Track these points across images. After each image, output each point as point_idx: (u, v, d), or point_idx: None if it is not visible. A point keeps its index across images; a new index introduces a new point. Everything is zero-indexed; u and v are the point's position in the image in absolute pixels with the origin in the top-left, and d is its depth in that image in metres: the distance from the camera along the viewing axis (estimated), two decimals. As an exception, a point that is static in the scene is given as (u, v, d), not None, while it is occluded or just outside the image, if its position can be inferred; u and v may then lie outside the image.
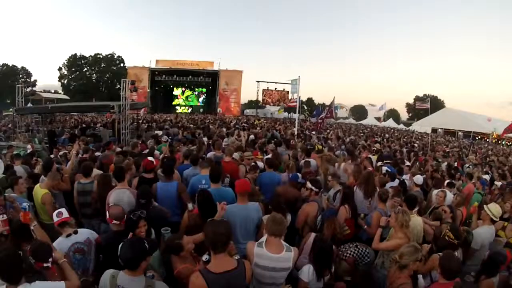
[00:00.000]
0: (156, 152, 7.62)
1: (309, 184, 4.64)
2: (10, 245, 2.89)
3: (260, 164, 6.13)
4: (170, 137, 10.35)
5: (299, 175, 5.74)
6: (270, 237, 2.85)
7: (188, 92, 49.99)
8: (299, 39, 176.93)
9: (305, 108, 48.48)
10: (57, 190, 4.80)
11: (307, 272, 2.99)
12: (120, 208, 3.34)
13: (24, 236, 3.09)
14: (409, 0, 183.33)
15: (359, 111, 68.36)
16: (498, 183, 8.47)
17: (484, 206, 4.57)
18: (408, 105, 77.21)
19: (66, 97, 44.69)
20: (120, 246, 2.45)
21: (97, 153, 7.09)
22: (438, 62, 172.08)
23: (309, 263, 3.12)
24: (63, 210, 3.26)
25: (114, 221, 3.23)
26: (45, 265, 2.51)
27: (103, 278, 2.50)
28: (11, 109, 19.94)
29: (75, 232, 3.18)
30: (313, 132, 16.22)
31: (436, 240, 4.08)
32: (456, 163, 11.83)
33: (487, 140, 31.64)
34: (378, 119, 52.13)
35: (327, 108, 15.70)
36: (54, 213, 3.22)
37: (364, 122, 54.13)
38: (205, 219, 3.40)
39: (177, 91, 49.32)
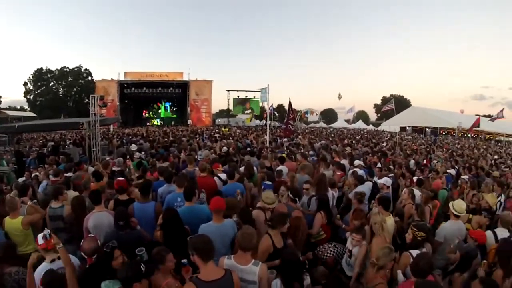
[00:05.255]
0: (131, 168, 7.61)
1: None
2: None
3: (223, 176, 6.12)
4: (143, 152, 10.28)
5: (269, 183, 5.71)
6: (240, 251, 2.99)
7: (157, 106, 49.92)
8: (269, 46, 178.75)
9: (276, 115, 48.72)
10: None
11: (275, 286, 2.98)
12: (95, 243, 3.17)
13: (9, 259, 3.06)
14: (373, 5, 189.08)
15: (329, 115, 69.37)
16: (465, 177, 8.85)
17: (450, 203, 4.81)
18: (376, 106, 79.95)
19: (33, 114, 43.38)
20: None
21: (68, 174, 6.86)
22: (403, 62, 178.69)
23: (276, 277, 3.09)
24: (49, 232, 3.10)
25: (82, 254, 3.10)
26: None
27: None
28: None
29: (59, 258, 3.03)
30: (285, 139, 16.49)
31: (399, 233, 4.50)
32: (424, 160, 12.28)
33: (453, 134, 32.97)
34: (347, 121, 53.20)
35: (287, 111, 15.81)
36: (40, 236, 3.02)
37: (334, 125, 55.40)
38: (168, 240, 3.53)
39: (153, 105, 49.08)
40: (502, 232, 4.41)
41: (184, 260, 2.92)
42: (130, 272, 2.56)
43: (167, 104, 50.34)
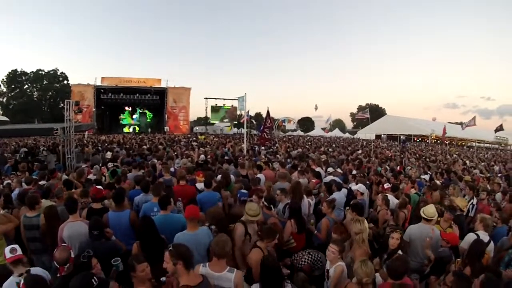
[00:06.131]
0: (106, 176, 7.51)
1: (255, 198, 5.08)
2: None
3: (199, 186, 6.03)
4: (119, 160, 10.16)
5: (245, 191, 5.49)
6: (215, 258, 3.04)
7: (134, 112, 49.13)
8: (247, 54, 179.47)
9: (254, 123, 48.74)
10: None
11: None
12: (67, 253, 3.07)
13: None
14: (347, 12, 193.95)
15: (306, 123, 70.06)
16: (438, 182, 9.11)
17: (421, 209, 4.93)
18: (352, 114, 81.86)
19: (5, 118, 41.99)
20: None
21: (41, 182, 6.68)
22: (379, 72, 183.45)
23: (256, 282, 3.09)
24: (17, 246, 3.10)
25: (56, 264, 3.03)
26: None
27: None
28: None
29: (28, 272, 2.98)
30: (262, 148, 16.54)
31: (376, 238, 4.73)
32: (398, 167, 12.59)
33: (427, 141, 33.99)
34: (324, 129, 53.86)
35: (264, 119, 15.73)
36: (7, 249, 3.02)
37: (311, 133, 56.41)
38: (145, 249, 3.49)
39: (124, 111, 48.28)
40: (485, 237, 4.51)
41: (163, 278, 2.95)
42: (77, 284, 2.50)
43: (144, 111, 49.67)
